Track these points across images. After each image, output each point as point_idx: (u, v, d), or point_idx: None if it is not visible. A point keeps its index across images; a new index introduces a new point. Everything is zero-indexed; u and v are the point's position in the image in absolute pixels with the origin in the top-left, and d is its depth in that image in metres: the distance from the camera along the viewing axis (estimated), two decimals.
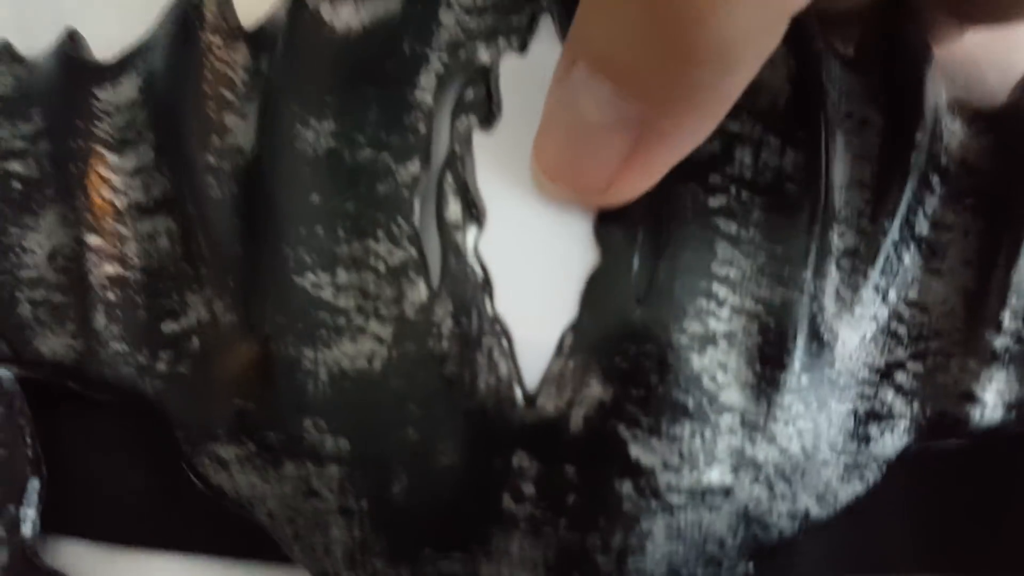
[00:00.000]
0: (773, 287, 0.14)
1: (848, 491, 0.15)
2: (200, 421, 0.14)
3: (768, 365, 0.14)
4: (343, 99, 0.14)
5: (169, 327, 0.14)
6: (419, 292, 0.14)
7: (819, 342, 0.14)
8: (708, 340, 0.14)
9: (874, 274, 0.14)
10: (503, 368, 0.13)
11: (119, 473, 0.15)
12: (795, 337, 0.14)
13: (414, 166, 0.14)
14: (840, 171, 0.14)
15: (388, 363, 0.13)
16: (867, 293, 0.14)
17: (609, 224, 0.14)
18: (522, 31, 0.15)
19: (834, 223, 0.14)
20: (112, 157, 0.15)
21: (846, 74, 0.15)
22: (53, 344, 0.15)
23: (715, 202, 0.14)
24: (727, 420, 0.14)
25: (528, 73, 0.14)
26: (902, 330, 0.15)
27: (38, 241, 0.15)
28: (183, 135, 0.15)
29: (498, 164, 0.14)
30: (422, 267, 0.14)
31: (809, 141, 0.14)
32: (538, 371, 0.13)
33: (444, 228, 0.14)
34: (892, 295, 0.15)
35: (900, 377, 0.15)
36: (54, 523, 0.15)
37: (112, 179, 0.15)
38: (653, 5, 0.11)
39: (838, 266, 0.14)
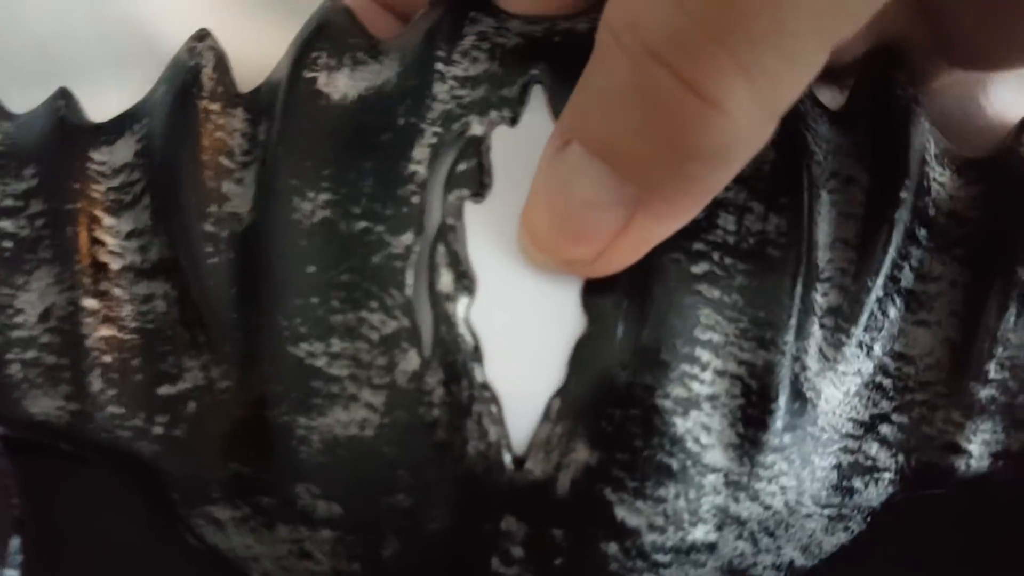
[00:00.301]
0: (755, 350, 0.14)
1: (832, 541, 0.15)
2: (196, 484, 0.14)
3: (751, 426, 0.14)
4: (339, 171, 0.14)
5: (166, 391, 0.14)
6: (411, 361, 0.14)
7: (802, 401, 0.14)
8: (692, 403, 0.14)
9: (857, 331, 0.14)
10: (492, 434, 0.14)
11: (111, 530, 0.15)
12: (777, 398, 0.14)
13: (407, 237, 0.14)
14: (824, 230, 0.14)
15: (380, 430, 0.14)
16: (850, 350, 0.14)
17: (595, 292, 0.14)
18: (514, 103, 0.15)
19: (817, 283, 0.14)
20: (108, 219, 0.15)
21: (833, 132, 0.15)
22: (45, 406, 0.15)
23: (698, 269, 0.14)
24: (711, 480, 0.14)
25: (519, 144, 0.14)
26: (887, 383, 0.15)
27: (30, 301, 0.15)
28: (181, 202, 0.15)
29: (488, 233, 0.14)
30: (414, 336, 0.14)
31: (792, 206, 0.14)
32: (526, 436, 0.14)
33: (436, 299, 0.14)
34: (877, 349, 0.15)
35: (885, 430, 0.15)
36: None
37: (108, 241, 0.15)
38: (654, 103, 0.12)
39: (821, 325, 0.14)
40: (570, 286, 0.14)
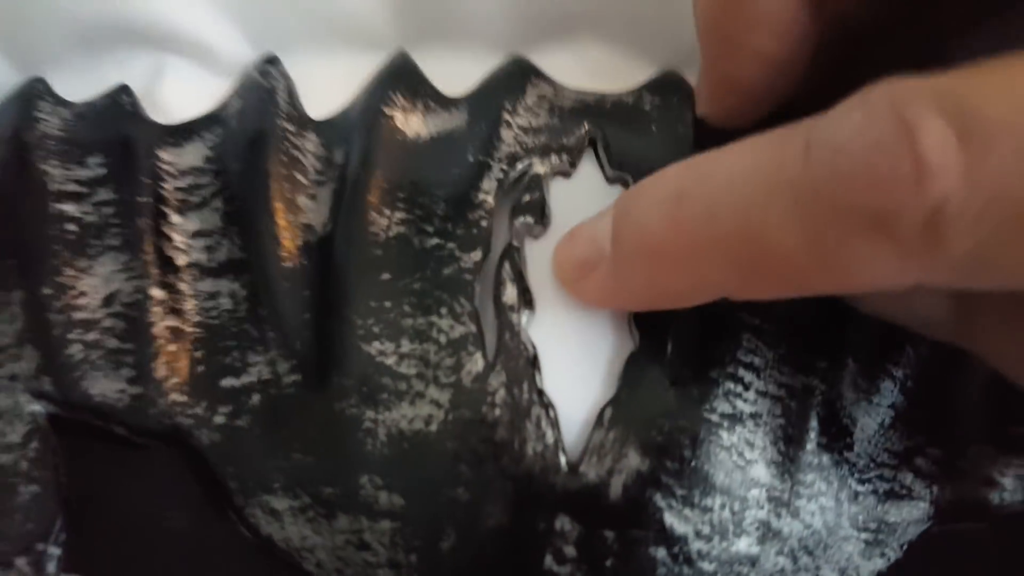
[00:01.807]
0: (793, 375, 0.15)
1: (869, 567, 0.15)
2: (257, 474, 0.15)
3: (791, 445, 0.15)
4: (413, 195, 0.15)
5: (228, 383, 0.15)
6: (476, 363, 0.14)
7: (838, 426, 0.15)
8: (736, 419, 0.14)
9: (891, 367, 0.15)
10: (549, 436, 0.14)
11: (156, 516, 0.15)
12: (815, 420, 0.15)
13: (476, 255, 0.15)
14: None
15: (444, 426, 0.14)
16: (885, 384, 0.15)
17: (645, 313, 0.15)
18: (572, 150, 0.16)
19: (849, 321, 0.15)
20: (175, 216, 0.15)
21: None
22: (104, 387, 0.15)
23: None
24: (754, 494, 0.14)
25: (573, 193, 0.16)
26: (921, 416, 0.15)
27: (93, 285, 0.15)
28: (256, 210, 0.15)
29: (546, 263, 0.15)
30: (480, 341, 0.15)
31: None
32: (580, 442, 0.14)
33: (501, 309, 0.15)
34: (911, 384, 0.15)
35: (919, 461, 0.15)
36: (85, 569, 0.15)
37: (175, 237, 0.15)
38: None
39: (855, 358, 0.15)
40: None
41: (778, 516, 0.15)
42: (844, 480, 0.15)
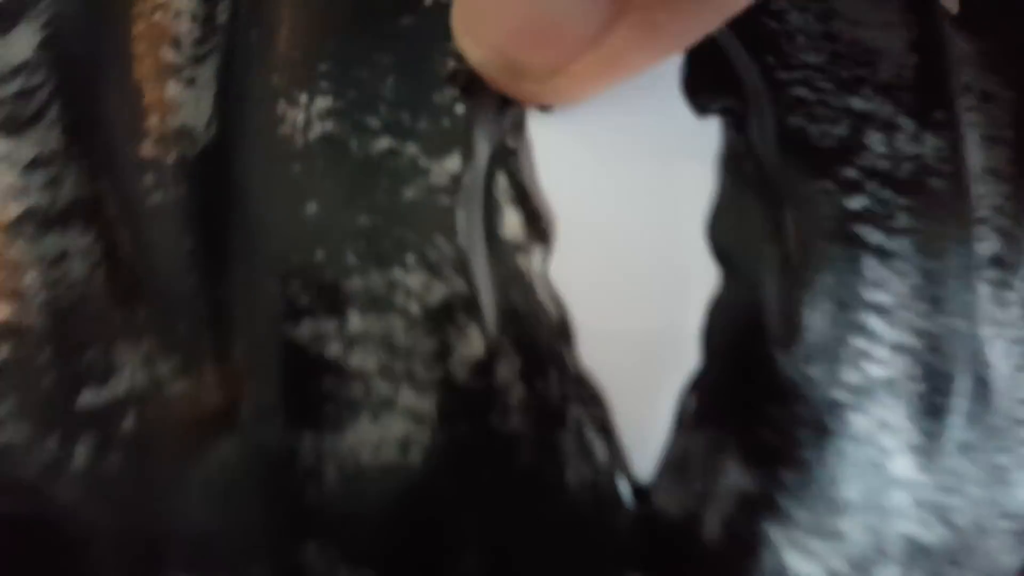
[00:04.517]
0: (931, 315, 0.12)
1: (1013, 561, 0.12)
2: (142, 544, 0.10)
3: (933, 418, 0.11)
4: (343, 67, 0.11)
5: (89, 399, 0.11)
6: (473, 343, 0.10)
7: (979, 381, 0.12)
8: (867, 392, 0.11)
9: (1021, 285, 0.12)
10: (599, 451, 0.10)
11: None
12: (964, 377, 0.11)
13: (453, 162, 0.11)
14: (972, 159, 0.13)
15: (431, 453, 0.10)
16: (1016, 309, 0.12)
17: (727, 235, 0.11)
18: None
19: (973, 225, 0.12)
20: (1, 143, 0.12)
21: (957, 37, 0.13)
22: None
23: (855, 204, 0.11)
24: (898, 500, 0.11)
25: None
26: None
27: None
28: (105, 113, 0.12)
29: (564, 155, 0.11)
30: (474, 307, 0.10)
31: (949, 123, 0.12)
32: (650, 452, 0.10)
33: (500, 250, 0.11)
34: None
35: None
36: None
37: (1, 175, 0.12)
38: None
39: (985, 279, 0.12)
40: (690, 226, 0.11)
41: (925, 525, 0.11)
42: (988, 456, 0.12)
